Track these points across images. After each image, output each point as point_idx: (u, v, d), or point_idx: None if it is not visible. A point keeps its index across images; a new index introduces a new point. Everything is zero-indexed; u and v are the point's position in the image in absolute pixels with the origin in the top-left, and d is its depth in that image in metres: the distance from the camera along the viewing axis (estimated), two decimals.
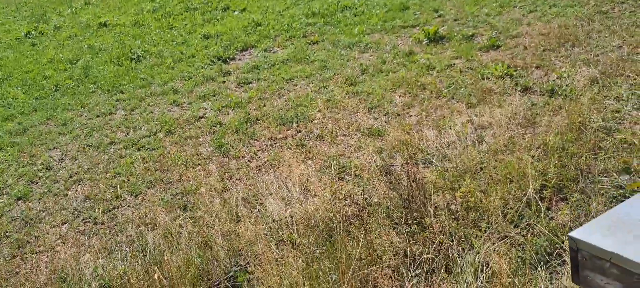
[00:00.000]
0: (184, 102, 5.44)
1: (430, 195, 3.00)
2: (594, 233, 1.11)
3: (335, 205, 3.06)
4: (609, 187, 2.96)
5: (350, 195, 3.15)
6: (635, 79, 4.18)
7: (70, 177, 4.35)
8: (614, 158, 3.16)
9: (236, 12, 8.68)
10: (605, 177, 3.03)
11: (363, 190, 3.28)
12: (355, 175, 3.50)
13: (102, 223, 3.66)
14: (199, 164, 4.21)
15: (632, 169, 2.95)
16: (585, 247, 1.10)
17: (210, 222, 3.19)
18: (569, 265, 1.16)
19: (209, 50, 6.81)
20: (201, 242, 2.96)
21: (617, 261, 1.05)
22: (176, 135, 4.73)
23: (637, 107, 3.76)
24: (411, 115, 4.38)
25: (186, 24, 8.28)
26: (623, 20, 5.51)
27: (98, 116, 5.41)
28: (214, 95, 5.49)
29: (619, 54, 4.72)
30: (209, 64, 6.39)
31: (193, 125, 4.90)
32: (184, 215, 3.45)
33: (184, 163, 4.20)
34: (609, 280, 1.08)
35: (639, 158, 3.07)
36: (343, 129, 4.30)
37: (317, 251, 2.68)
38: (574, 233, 1.12)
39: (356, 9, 8.05)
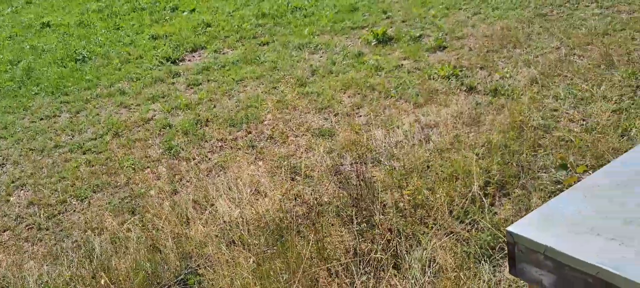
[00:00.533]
0: (132, 104, 5.35)
1: (379, 194, 3.05)
2: (529, 227, 1.17)
3: (285, 206, 3.08)
4: (548, 182, 3.08)
5: (300, 195, 3.17)
6: (572, 79, 4.37)
7: (13, 182, 4.21)
8: (552, 155, 3.30)
9: (185, 13, 8.58)
10: (544, 173, 3.16)
11: (313, 190, 3.31)
12: (306, 176, 3.53)
13: (47, 229, 3.57)
14: (148, 167, 4.15)
15: (569, 165, 3.09)
16: (522, 241, 1.16)
17: (159, 225, 3.15)
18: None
19: (158, 51, 6.71)
20: (150, 245, 2.93)
21: (550, 254, 1.11)
22: (124, 138, 4.64)
23: (573, 106, 3.93)
24: (360, 115, 4.44)
25: (133, 24, 8.13)
26: (560, 22, 5.74)
27: (41, 119, 5.26)
28: (163, 97, 5.42)
29: (557, 55, 4.91)
30: (158, 65, 6.30)
31: (142, 128, 4.82)
32: (133, 219, 3.40)
33: (132, 166, 4.14)
34: (543, 272, 1.14)
35: (574, 154, 3.22)
36: (293, 129, 4.33)
37: (268, 251, 2.70)
38: (511, 228, 1.18)
39: (306, 10, 8.09)
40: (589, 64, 4.57)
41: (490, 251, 2.63)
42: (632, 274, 0.98)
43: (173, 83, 5.76)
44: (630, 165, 1.33)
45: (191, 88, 5.60)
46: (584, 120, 3.72)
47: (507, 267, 2.42)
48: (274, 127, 4.41)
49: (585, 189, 1.25)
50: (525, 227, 1.17)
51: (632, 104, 3.77)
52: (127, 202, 3.69)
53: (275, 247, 2.75)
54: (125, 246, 3.03)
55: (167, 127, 4.74)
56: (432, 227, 2.80)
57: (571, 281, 1.09)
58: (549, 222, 1.16)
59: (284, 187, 3.29)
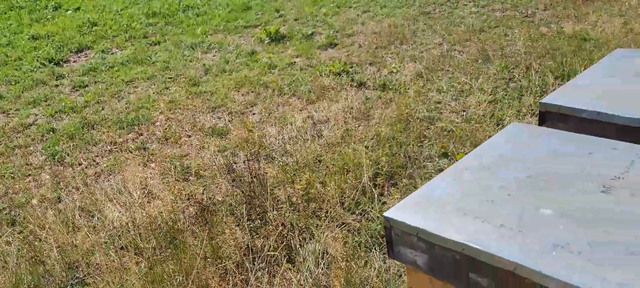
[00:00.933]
0: (11, 109, 5.01)
1: (273, 190, 3.08)
2: (403, 212, 1.23)
3: (178, 207, 3.02)
4: (432, 171, 3.25)
5: (193, 196, 3.13)
6: (453, 73, 4.63)
7: None
8: (436, 145, 3.48)
9: (69, 11, 8.15)
10: (429, 162, 3.33)
11: (206, 190, 3.28)
12: (199, 176, 3.48)
13: None
14: (30, 175, 3.91)
15: (449, 153, 3.28)
16: (397, 225, 1.23)
17: (42, 236, 2.98)
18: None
19: (39, 52, 6.32)
20: (32, 257, 2.76)
21: (422, 235, 1.18)
22: (2, 145, 4.34)
23: (455, 98, 4.17)
24: (254, 113, 4.45)
25: (11, 24, 7.61)
26: (442, 20, 6.06)
27: None
28: (46, 100, 5.12)
29: (439, 50, 5.19)
30: (40, 67, 5.94)
31: (22, 133, 4.52)
32: (12, 231, 3.19)
33: (12, 175, 3.88)
34: (417, 253, 1.21)
35: (455, 143, 3.42)
36: (186, 130, 4.25)
37: (161, 254, 2.64)
38: (387, 213, 1.24)
39: (198, 9, 7.96)
40: (468, 59, 4.86)
41: (380, 239, 2.73)
42: (493, 248, 1.07)
43: (57, 86, 5.46)
44: (496, 148, 1.45)
45: (77, 90, 5.33)
46: (464, 111, 3.96)
47: None
48: (166, 128, 4.30)
49: (455, 172, 1.35)
50: (400, 212, 1.24)
51: (505, 95, 4.06)
52: (5, 214, 3.46)
53: (168, 250, 2.69)
54: (4, 260, 2.84)
55: (51, 132, 4.48)
56: (324, 220, 2.87)
57: (441, 259, 1.16)
58: (421, 205, 1.24)
59: (176, 188, 3.23)
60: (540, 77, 4.20)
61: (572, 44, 4.75)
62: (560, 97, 1.69)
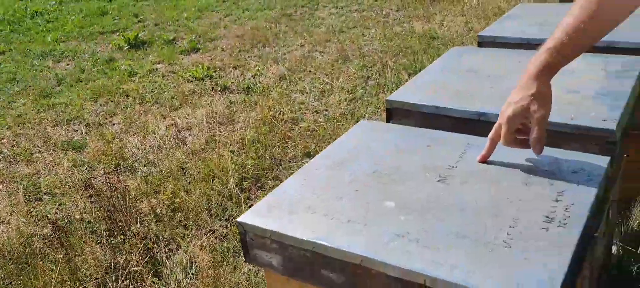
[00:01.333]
0: None
1: (136, 203, 2.97)
2: (256, 216, 1.25)
3: (30, 229, 2.81)
4: (284, 169, 3.32)
5: (46, 216, 2.93)
6: (315, 73, 4.75)
7: None
8: (300, 145, 3.55)
9: None
10: (294, 162, 3.40)
11: (60, 208, 3.08)
12: (53, 194, 3.26)
13: None
14: None
15: (312, 153, 3.37)
16: (250, 229, 1.24)
17: None
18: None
19: None
20: None
21: (275, 237, 1.20)
22: None
23: (317, 98, 4.28)
24: (114, 124, 4.25)
25: None
26: (304, 22, 6.19)
27: None
28: None
29: (301, 52, 5.30)
30: None
31: None
32: None
33: None
34: (272, 255, 1.23)
35: (318, 143, 3.51)
36: (38, 145, 3.96)
37: (9, 285, 2.44)
38: (240, 219, 1.25)
39: (49, 15, 7.46)
40: (329, 59, 5.02)
41: None
42: (341, 244, 1.11)
43: None
44: (345, 146, 1.51)
45: None
46: (326, 110, 4.08)
47: None
48: (14, 146, 3.98)
49: (306, 172, 1.39)
50: (252, 216, 1.25)
51: (364, 93, 4.24)
52: None
53: (21, 277, 2.50)
54: None
55: None
56: (191, 229, 2.82)
57: (294, 259, 1.19)
58: (273, 208, 1.26)
59: (25, 209, 3.00)
60: (395, 75, 4.43)
61: (422, 42, 5.07)
62: (404, 94, 1.80)
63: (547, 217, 1.12)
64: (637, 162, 2.24)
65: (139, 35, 6.25)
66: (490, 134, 1.32)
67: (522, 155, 1.33)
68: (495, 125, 1.31)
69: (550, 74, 1.25)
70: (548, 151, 1.36)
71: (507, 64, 1.93)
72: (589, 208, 1.15)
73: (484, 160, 1.33)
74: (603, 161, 1.30)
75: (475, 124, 1.62)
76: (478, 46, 2.33)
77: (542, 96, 1.23)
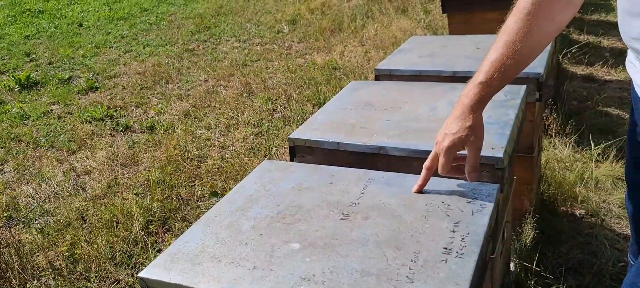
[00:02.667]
0: None
1: (31, 257, 2.78)
2: (158, 269, 1.21)
3: None
4: (206, 210, 3.25)
5: None
6: (220, 108, 4.70)
7: None
8: (207, 183, 3.49)
9: None
10: (202, 201, 3.33)
11: None
12: None
13: None
14: None
15: (219, 191, 3.32)
16: (153, 284, 1.19)
17: None
18: None
19: None
20: None
21: None
22: None
23: (223, 134, 4.24)
24: (5, 172, 3.99)
25: None
26: (207, 56, 6.14)
27: None
28: None
29: (205, 87, 5.24)
30: None
31: None
32: None
33: None
34: None
35: (226, 180, 3.47)
36: None
37: None
38: (142, 274, 1.20)
39: None
40: (233, 93, 4.99)
41: None
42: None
43: None
44: (247, 189, 1.50)
45: None
46: (232, 146, 4.04)
47: None
48: None
49: (208, 221, 1.36)
50: (155, 270, 1.21)
51: (270, 126, 4.25)
52: None
53: None
54: None
55: None
56: (94, 281, 2.68)
57: None
58: (176, 259, 1.22)
59: None
60: (300, 106, 4.48)
61: (324, 73, 5.17)
62: (306, 131, 1.82)
63: (446, 248, 1.17)
64: (524, 182, 2.40)
65: (31, 75, 5.94)
66: (426, 163, 1.37)
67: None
68: (431, 155, 1.37)
69: (482, 106, 1.34)
70: (444, 182, 1.43)
71: (401, 96, 2.01)
72: (483, 236, 1.21)
73: (420, 190, 1.37)
74: (493, 189, 1.38)
75: (375, 158, 1.67)
76: (375, 79, 2.41)
77: (478, 127, 1.33)
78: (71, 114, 4.95)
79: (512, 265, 2.37)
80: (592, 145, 3.40)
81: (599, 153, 3.35)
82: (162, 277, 1.18)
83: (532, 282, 2.32)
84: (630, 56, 1.28)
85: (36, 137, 4.49)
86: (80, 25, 8.38)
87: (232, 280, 1.13)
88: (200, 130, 4.35)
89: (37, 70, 6.24)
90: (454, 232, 1.22)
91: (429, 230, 1.23)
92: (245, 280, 1.13)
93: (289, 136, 1.79)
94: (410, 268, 1.11)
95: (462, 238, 1.20)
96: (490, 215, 1.28)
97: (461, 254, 1.14)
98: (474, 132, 1.32)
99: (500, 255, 1.91)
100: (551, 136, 3.58)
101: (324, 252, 1.18)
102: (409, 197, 1.37)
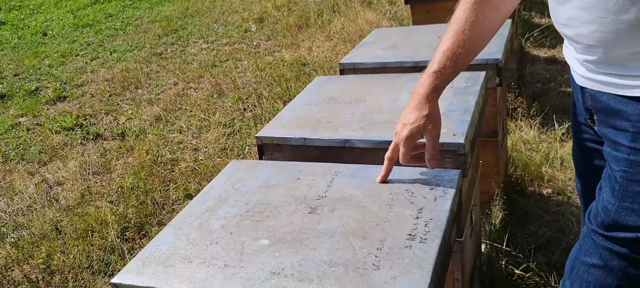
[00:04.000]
0: None
1: (6, 272, 2.77)
2: (131, 274, 1.23)
3: None
4: (167, 212, 3.26)
5: None
6: (191, 111, 4.70)
7: None
8: (181, 186, 3.50)
9: None
10: (177, 205, 3.34)
11: None
12: None
13: None
14: None
15: (193, 193, 3.33)
16: None
17: None
18: None
19: None
20: None
21: None
22: None
23: (195, 136, 4.24)
24: None
25: None
26: (175, 59, 6.11)
27: None
28: None
29: (175, 90, 5.22)
30: None
31: None
32: None
33: None
34: None
35: (200, 181, 3.48)
36: None
37: None
38: (114, 279, 1.22)
39: None
40: (204, 95, 4.99)
41: None
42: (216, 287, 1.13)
43: None
44: (216, 189, 1.52)
45: None
46: (205, 147, 4.05)
47: None
48: None
49: (179, 223, 1.38)
50: (127, 275, 1.23)
51: (242, 125, 4.27)
52: None
53: None
54: None
55: None
56: None
57: None
58: (148, 263, 1.25)
59: None
60: (270, 104, 4.50)
61: (293, 70, 5.20)
62: (273, 128, 1.85)
63: (410, 235, 1.21)
64: (490, 165, 2.46)
65: None
66: (387, 154, 1.41)
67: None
68: (392, 146, 1.41)
69: (438, 95, 1.39)
70: (407, 171, 1.47)
71: (365, 89, 2.05)
72: (445, 221, 1.25)
73: (384, 180, 1.41)
74: (454, 175, 1.43)
75: (341, 151, 1.71)
76: (340, 73, 2.45)
77: (435, 116, 1.38)
78: (40, 125, 4.90)
79: (483, 246, 2.43)
80: (556, 125, 3.50)
81: (563, 133, 3.44)
82: (135, 282, 1.21)
83: (503, 262, 2.39)
84: (565, 41, 1.34)
85: (5, 151, 4.44)
86: (45, 34, 8.25)
87: (204, 279, 1.16)
88: (172, 133, 4.34)
89: (2, 83, 6.14)
90: (417, 218, 1.26)
91: (394, 218, 1.27)
92: (216, 278, 1.16)
93: (257, 135, 1.82)
94: (376, 256, 1.15)
95: (426, 224, 1.24)
96: (452, 200, 1.33)
97: (425, 239, 1.19)
98: (431, 121, 1.36)
99: (469, 237, 1.97)
100: (516, 119, 3.67)
101: (293, 246, 1.22)
102: (373, 187, 1.41)
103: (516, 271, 2.35)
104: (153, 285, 1.18)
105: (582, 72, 1.28)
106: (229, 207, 1.41)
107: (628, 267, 1.26)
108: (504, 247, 2.45)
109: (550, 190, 2.99)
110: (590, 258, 1.32)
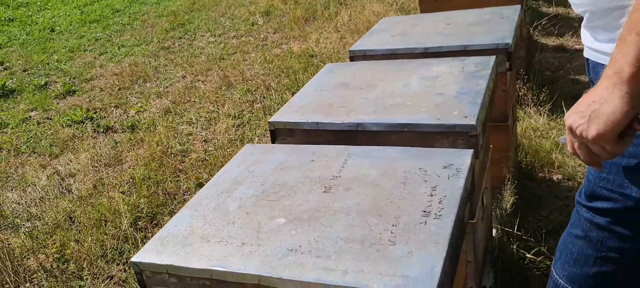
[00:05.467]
0: None
1: (22, 261, 2.80)
2: (150, 253, 1.25)
3: None
4: (179, 202, 3.29)
5: None
6: (200, 103, 4.72)
7: None
8: (192, 176, 3.52)
9: None
10: (188, 195, 3.36)
11: None
12: None
13: None
14: None
15: (204, 183, 3.35)
16: (146, 267, 1.24)
17: None
18: None
19: None
20: None
21: (172, 271, 1.21)
22: None
23: (205, 128, 4.27)
24: None
25: None
26: (183, 53, 6.14)
27: None
28: None
29: (183, 83, 5.25)
30: None
31: None
32: None
33: None
34: None
35: (211, 172, 3.50)
36: None
37: None
38: (134, 259, 1.24)
39: None
40: (212, 87, 5.01)
41: None
42: (236, 267, 1.15)
43: None
44: (231, 172, 1.54)
45: None
46: (215, 138, 4.07)
47: None
48: None
49: (195, 204, 1.40)
50: (147, 254, 1.25)
51: (251, 117, 4.29)
52: None
53: None
54: None
55: None
56: (87, 279, 2.71)
57: None
58: (167, 243, 1.27)
59: None
60: (279, 95, 4.52)
61: (301, 62, 5.21)
62: (285, 114, 1.86)
63: (425, 211, 1.22)
64: (500, 150, 2.47)
65: (7, 83, 5.89)
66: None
67: (398, 159, 1.44)
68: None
69: None
70: (421, 151, 1.49)
71: (376, 75, 2.06)
72: (459, 198, 1.27)
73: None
74: (467, 154, 1.44)
75: (354, 135, 1.72)
76: (350, 60, 2.46)
77: None
78: (50, 119, 4.94)
79: (494, 231, 2.44)
80: (566, 112, 3.49)
81: None
82: (154, 260, 1.23)
83: (515, 246, 2.40)
84: (583, 23, 1.35)
85: (17, 144, 4.47)
86: (53, 30, 8.29)
87: (222, 257, 1.18)
88: (181, 125, 4.37)
89: (12, 78, 6.19)
90: (431, 195, 1.28)
91: (408, 196, 1.29)
92: (234, 256, 1.18)
93: (269, 120, 1.84)
94: (392, 232, 1.16)
95: (440, 201, 1.25)
96: (466, 178, 1.34)
97: (439, 215, 1.20)
98: None
99: (481, 220, 1.98)
100: (526, 106, 3.67)
101: (309, 224, 1.23)
102: (387, 167, 1.42)
103: (528, 255, 2.36)
104: (172, 263, 1.20)
105: (588, 42, 1.30)
106: (244, 188, 1.43)
107: (607, 239, 1.28)
108: (515, 232, 2.46)
109: (560, 176, 3.00)
110: (575, 230, 1.36)
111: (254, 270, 1.12)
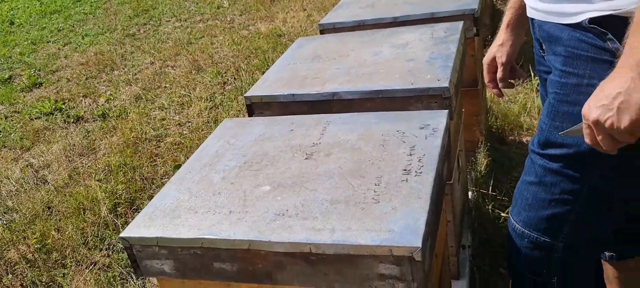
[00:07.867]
0: None
1: (2, 254, 2.78)
2: (139, 228, 1.27)
3: None
4: (157, 186, 3.30)
5: None
6: (171, 88, 4.70)
7: None
8: (169, 160, 3.52)
9: None
10: (166, 178, 3.36)
11: None
12: None
13: None
14: None
15: (182, 165, 3.36)
16: (136, 241, 1.26)
17: None
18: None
19: None
20: None
21: (163, 243, 1.23)
22: None
23: (178, 112, 4.25)
24: None
25: None
26: (149, 39, 6.07)
27: None
28: None
29: (152, 69, 5.20)
30: None
31: None
32: None
33: None
34: (162, 261, 1.27)
35: (187, 154, 3.51)
36: None
37: None
38: (123, 234, 1.26)
39: None
40: (182, 72, 4.98)
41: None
42: (227, 234, 1.18)
43: None
44: (212, 146, 1.56)
45: None
46: (188, 122, 4.07)
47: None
48: None
49: (179, 179, 1.43)
50: (136, 229, 1.27)
51: (224, 98, 4.29)
52: None
53: None
54: None
55: None
56: (70, 266, 2.71)
57: (186, 260, 1.23)
58: (155, 217, 1.29)
59: None
60: (250, 76, 4.52)
61: (269, 42, 5.21)
62: (260, 88, 1.89)
63: (405, 170, 1.27)
64: (472, 114, 2.54)
65: None
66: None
67: (376, 123, 1.49)
68: None
69: None
70: (398, 114, 1.53)
71: (346, 46, 2.10)
72: (438, 156, 1.32)
73: None
74: (442, 114, 1.49)
75: (330, 104, 1.76)
76: (320, 34, 2.49)
77: None
78: (18, 112, 4.85)
79: (470, 193, 2.52)
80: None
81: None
82: (144, 234, 1.25)
83: (490, 207, 2.48)
84: None
85: None
86: (12, 23, 8.10)
87: (211, 226, 1.21)
88: (154, 111, 4.34)
89: None
90: (410, 155, 1.32)
91: (388, 156, 1.33)
92: (223, 224, 1.21)
93: (245, 95, 1.86)
94: (375, 191, 1.21)
95: (419, 160, 1.30)
96: (443, 136, 1.39)
97: (420, 173, 1.25)
98: None
99: (457, 181, 2.04)
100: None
101: (293, 190, 1.27)
102: (365, 131, 1.47)
103: (502, 214, 2.45)
104: (162, 235, 1.23)
105: (532, 3, 1.35)
106: (226, 160, 1.46)
107: (560, 182, 1.36)
108: (490, 192, 2.54)
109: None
110: (529, 177, 1.43)
111: (243, 235, 1.16)
